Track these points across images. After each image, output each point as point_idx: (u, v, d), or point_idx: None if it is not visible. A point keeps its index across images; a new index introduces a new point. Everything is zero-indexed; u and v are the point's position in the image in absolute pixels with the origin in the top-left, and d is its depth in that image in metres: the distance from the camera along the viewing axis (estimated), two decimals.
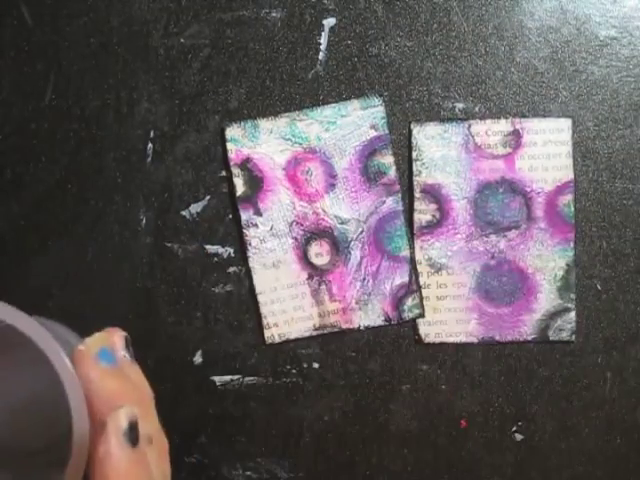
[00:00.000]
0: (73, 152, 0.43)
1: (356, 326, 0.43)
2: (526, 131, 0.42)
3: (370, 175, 0.43)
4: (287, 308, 0.43)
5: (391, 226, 0.43)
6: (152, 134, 0.43)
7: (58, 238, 0.43)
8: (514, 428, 0.43)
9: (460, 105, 0.43)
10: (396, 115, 0.43)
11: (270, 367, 0.43)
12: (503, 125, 0.42)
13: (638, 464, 0.43)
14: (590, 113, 0.43)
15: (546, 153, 0.42)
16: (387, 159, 0.43)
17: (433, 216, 0.43)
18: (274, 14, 0.43)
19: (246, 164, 0.43)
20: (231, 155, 0.43)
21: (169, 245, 0.43)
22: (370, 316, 0.43)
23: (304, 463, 0.44)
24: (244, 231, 0.43)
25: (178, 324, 0.43)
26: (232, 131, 0.43)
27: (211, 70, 0.43)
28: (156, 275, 0.43)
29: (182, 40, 0.43)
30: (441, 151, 0.43)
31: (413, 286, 0.43)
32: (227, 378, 0.43)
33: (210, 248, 0.43)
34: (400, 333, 0.43)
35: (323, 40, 0.43)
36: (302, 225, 0.43)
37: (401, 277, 0.43)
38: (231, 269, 0.43)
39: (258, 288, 0.43)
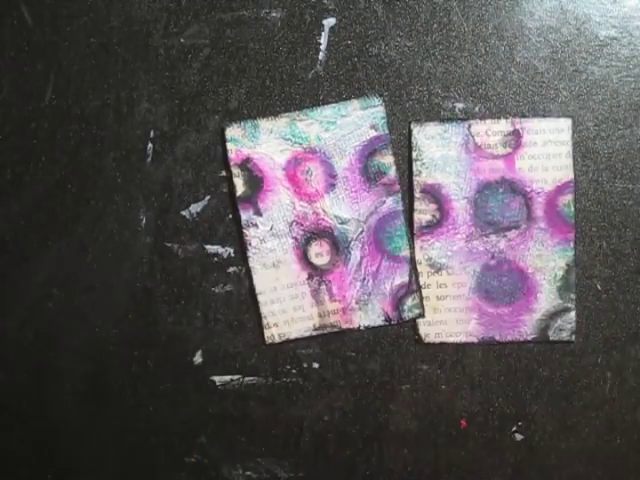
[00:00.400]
0: (73, 152, 0.43)
1: (356, 326, 0.43)
2: (526, 131, 0.42)
3: (370, 175, 0.43)
4: (287, 308, 0.43)
5: (391, 226, 0.43)
6: (152, 134, 0.43)
7: (58, 238, 0.43)
8: (514, 428, 0.43)
9: (460, 105, 0.43)
10: (396, 115, 0.43)
11: (270, 367, 0.43)
12: (503, 125, 0.42)
13: (638, 464, 0.43)
14: (590, 113, 0.43)
15: (546, 153, 0.42)
16: (387, 159, 0.43)
17: (433, 216, 0.43)
18: (274, 14, 0.43)
19: (246, 164, 0.43)
20: (231, 155, 0.43)
21: (169, 245, 0.43)
22: (370, 316, 0.43)
23: (304, 463, 0.44)
24: (244, 231, 0.43)
25: (178, 324, 0.43)
26: (232, 131, 0.43)
27: (211, 70, 0.43)
28: (156, 275, 0.43)
29: (182, 40, 0.43)
30: (441, 151, 0.43)
31: (413, 286, 0.43)
32: (227, 378, 0.43)
33: (210, 248, 0.43)
34: (400, 333, 0.43)
35: (323, 40, 0.43)
36: (302, 225, 0.43)
37: (401, 277, 0.43)
38: (231, 269, 0.43)
39: (258, 288, 0.43)
